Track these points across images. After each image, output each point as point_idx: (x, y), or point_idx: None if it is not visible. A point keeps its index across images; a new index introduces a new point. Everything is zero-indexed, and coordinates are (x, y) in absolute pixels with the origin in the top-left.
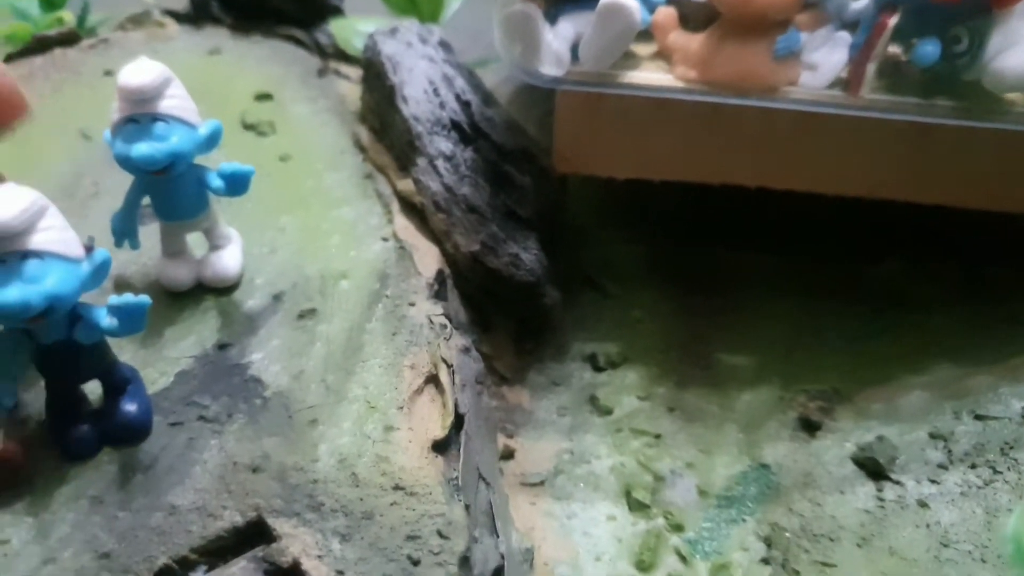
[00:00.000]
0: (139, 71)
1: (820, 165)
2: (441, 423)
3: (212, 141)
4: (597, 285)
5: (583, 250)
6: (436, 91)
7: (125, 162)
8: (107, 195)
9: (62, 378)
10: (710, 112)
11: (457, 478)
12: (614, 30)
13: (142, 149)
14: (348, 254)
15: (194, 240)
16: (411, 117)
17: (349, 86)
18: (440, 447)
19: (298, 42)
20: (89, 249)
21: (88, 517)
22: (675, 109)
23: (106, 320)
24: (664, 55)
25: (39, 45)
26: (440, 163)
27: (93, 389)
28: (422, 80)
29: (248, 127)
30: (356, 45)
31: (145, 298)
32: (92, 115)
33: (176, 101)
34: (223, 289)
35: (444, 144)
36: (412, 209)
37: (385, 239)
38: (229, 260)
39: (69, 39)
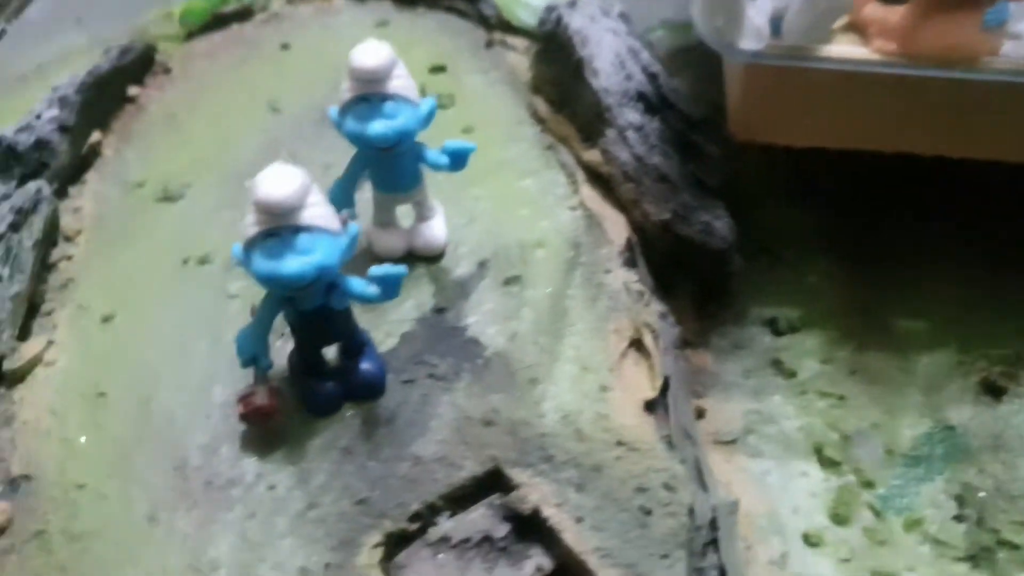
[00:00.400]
0: (371, 53)
1: (1006, 133)
2: (650, 384)
3: (430, 118)
4: (772, 251)
5: (756, 218)
6: (623, 64)
7: (358, 139)
8: (304, 165)
9: (314, 341)
10: (895, 83)
11: (669, 436)
12: (826, 4)
13: (377, 128)
14: (539, 223)
15: (401, 212)
16: (601, 89)
17: (517, 57)
18: (651, 407)
19: (462, 14)
20: (344, 223)
21: (341, 466)
22: (860, 80)
23: (368, 288)
24: (857, 28)
25: (217, 21)
26: (630, 134)
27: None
28: (609, 53)
29: None
30: (520, 16)
31: (403, 268)
32: (277, 88)
33: (402, 81)
34: (432, 257)
35: (633, 115)
36: (597, 179)
37: (573, 208)
38: (437, 230)
39: (244, 14)
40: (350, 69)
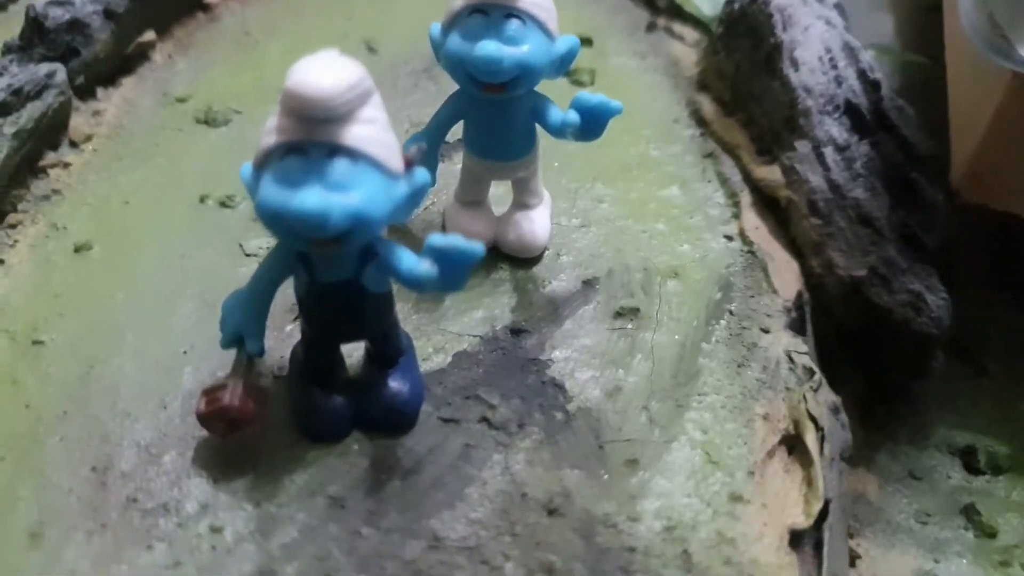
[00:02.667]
0: None
1: None
2: (805, 508)
3: (564, 63)
4: (973, 357)
5: (959, 308)
6: (833, 62)
7: (459, 65)
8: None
9: (329, 331)
10: None
11: None
12: None
13: (488, 48)
14: (678, 247)
15: (495, 194)
16: (800, 86)
17: (683, 49)
18: (796, 540)
19: None
20: (409, 163)
21: (323, 524)
22: None
23: (421, 266)
24: None
25: None
26: (829, 152)
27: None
28: (817, 44)
29: (565, 73)
30: (698, 3)
31: (478, 246)
32: (378, 26)
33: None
34: (523, 260)
35: (836, 129)
36: (769, 205)
37: (729, 237)
38: (539, 224)
39: None
40: None
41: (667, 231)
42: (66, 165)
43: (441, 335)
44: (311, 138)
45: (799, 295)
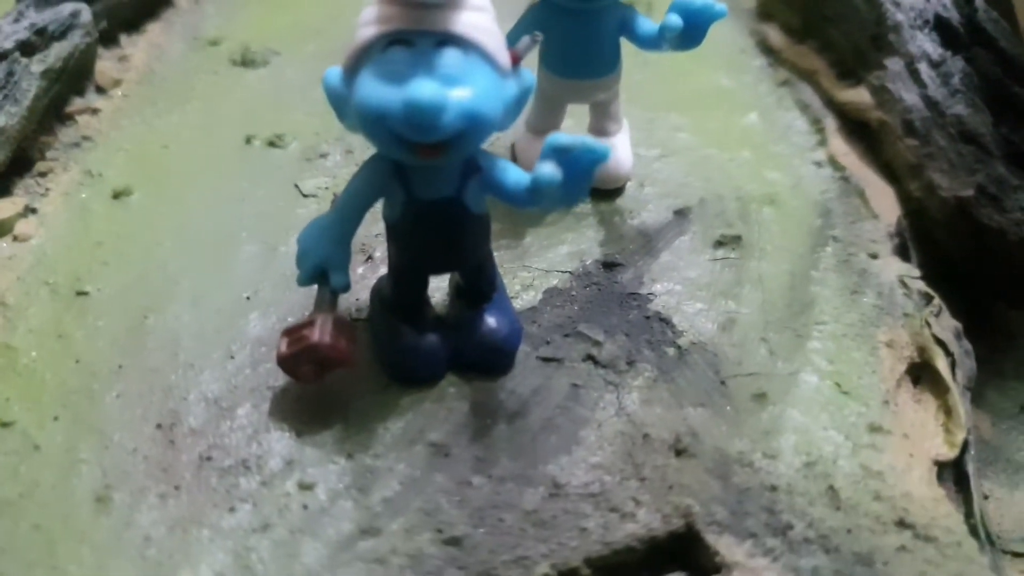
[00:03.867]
0: None
1: None
2: (946, 438)
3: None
4: None
5: None
6: None
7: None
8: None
9: (422, 260)
10: None
11: (975, 524)
12: None
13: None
14: (767, 174)
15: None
16: (888, 0)
17: None
18: (942, 472)
19: None
20: (516, 60)
21: (428, 474)
22: None
23: (545, 168)
24: None
25: None
26: (923, 68)
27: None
28: None
29: None
30: None
31: (607, 146)
32: None
33: None
34: (605, 192)
35: (929, 44)
36: (859, 130)
37: (818, 164)
38: (622, 152)
39: None
40: None
41: (753, 159)
42: (95, 111)
43: (527, 272)
44: (419, 26)
45: (900, 220)
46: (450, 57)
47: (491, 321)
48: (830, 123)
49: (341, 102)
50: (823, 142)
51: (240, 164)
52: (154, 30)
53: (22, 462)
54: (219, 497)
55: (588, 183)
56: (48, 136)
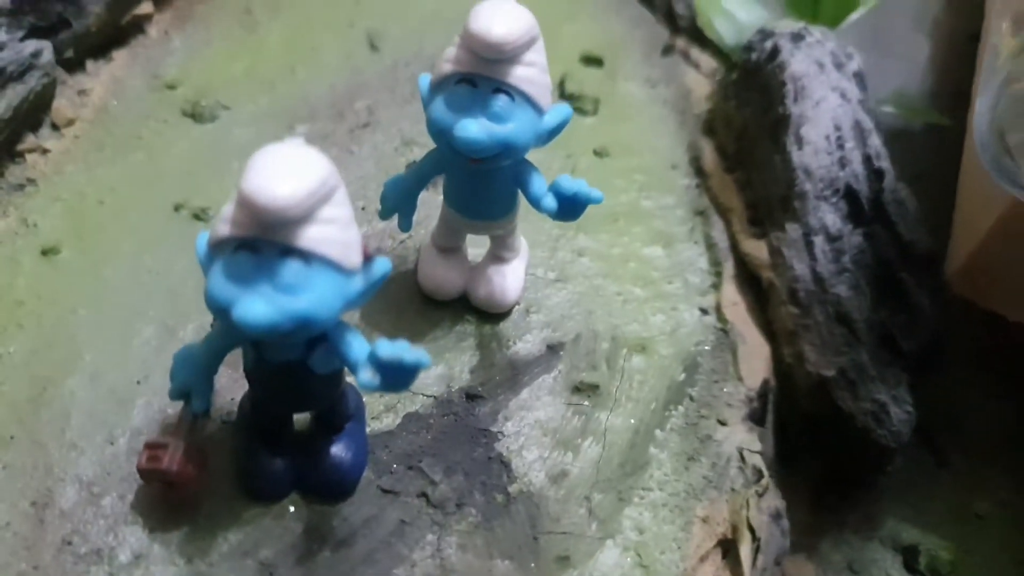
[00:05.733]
0: (500, 18)
1: None
2: None
3: (553, 134)
4: (937, 449)
5: (934, 398)
6: (840, 142)
7: (439, 134)
8: (380, 129)
9: (275, 404)
10: None
11: None
12: None
13: (470, 129)
14: (649, 316)
15: (476, 237)
16: (801, 167)
17: (697, 78)
18: None
19: (650, 1)
20: (369, 258)
21: None
22: None
23: (364, 375)
24: None
25: None
26: (818, 241)
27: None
28: (827, 122)
29: (567, 97)
30: (719, 29)
31: (425, 357)
32: (387, 21)
33: (533, 72)
34: (490, 314)
35: (831, 217)
36: (751, 282)
37: (704, 311)
38: (511, 281)
39: None
40: (465, 31)
41: (643, 296)
42: (45, 151)
43: (393, 394)
44: (265, 236)
45: (765, 383)
46: (291, 268)
47: (336, 452)
48: (729, 268)
49: (204, 271)
50: (717, 286)
51: (166, 233)
52: (120, 60)
53: None
54: None
55: (407, 383)
56: None
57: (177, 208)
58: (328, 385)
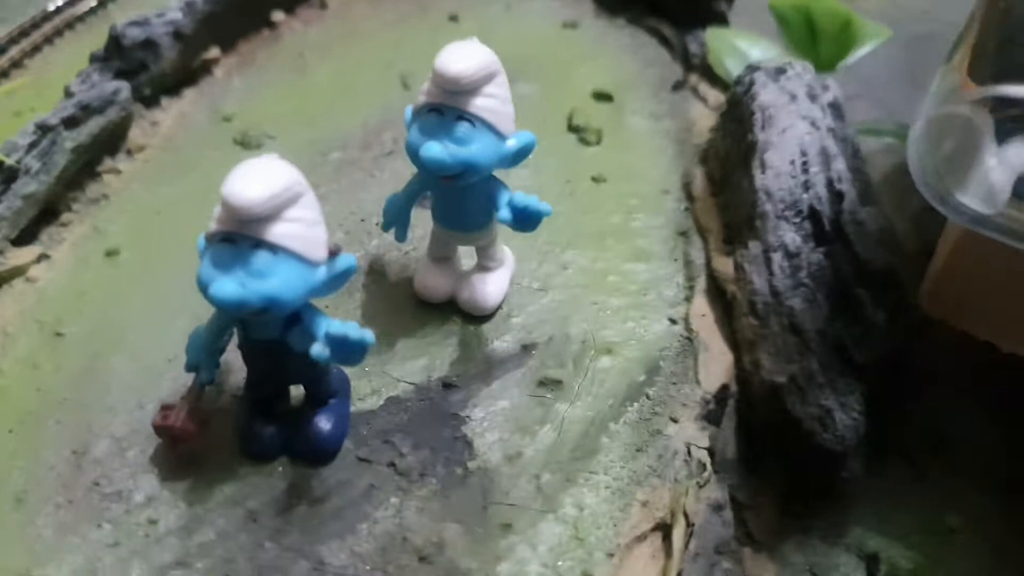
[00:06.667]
0: (462, 56)
1: None
2: None
3: (518, 157)
4: (912, 461)
5: (913, 412)
6: (805, 166)
7: (413, 156)
8: (402, 157)
9: (263, 378)
10: None
11: None
12: None
13: (433, 151)
14: (621, 324)
15: (468, 250)
16: (762, 189)
17: (703, 111)
18: None
19: (664, 40)
20: (333, 253)
21: (236, 533)
22: None
23: (315, 348)
24: None
25: None
26: (776, 258)
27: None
28: (792, 147)
29: (573, 129)
30: (727, 66)
31: (368, 335)
32: (422, 61)
33: (492, 103)
34: (475, 316)
35: (791, 235)
36: (719, 296)
37: (673, 320)
38: (492, 287)
39: None
40: (433, 68)
41: (617, 306)
42: (118, 172)
43: (381, 378)
44: (240, 230)
45: (723, 388)
46: (260, 257)
47: (319, 423)
48: (701, 282)
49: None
50: (688, 299)
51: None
52: (189, 97)
53: None
54: (94, 515)
55: (359, 358)
56: (77, 191)
57: None
58: (307, 363)
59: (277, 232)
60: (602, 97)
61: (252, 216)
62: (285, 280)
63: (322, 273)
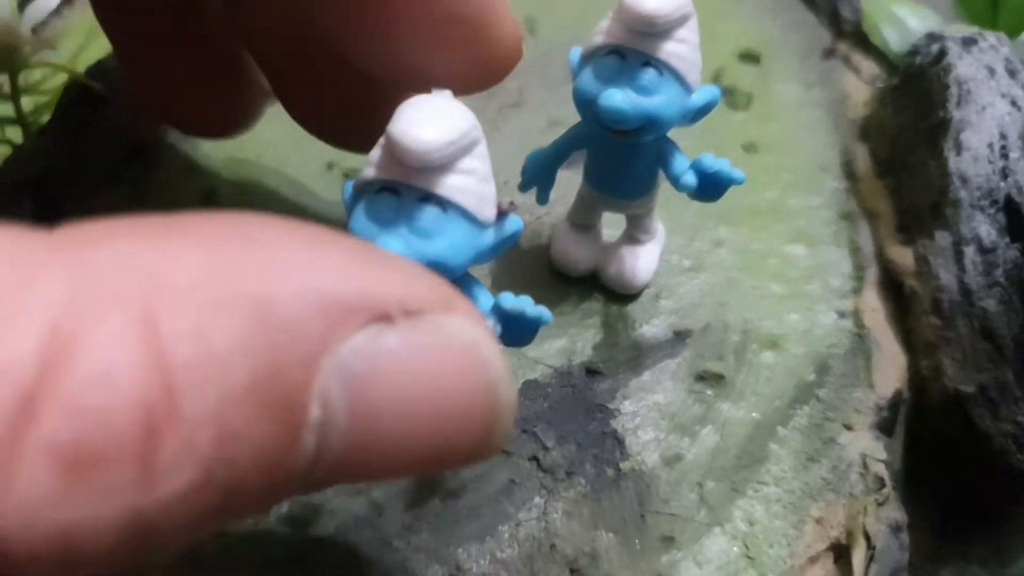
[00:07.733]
0: None
1: None
2: None
3: (700, 115)
4: None
5: None
6: (1005, 151)
7: (584, 105)
8: (529, 109)
9: None
10: None
11: None
12: None
13: (614, 99)
14: (786, 314)
15: (612, 218)
16: (956, 174)
17: (856, 83)
18: None
19: (813, 3)
20: (503, 214)
21: (357, 526)
22: None
23: (487, 323)
24: None
25: None
26: (969, 252)
27: None
28: (992, 129)
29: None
30: (885, 35)
31: (546, 313)
32: (548, 4)
33: (683, 48)
34: (618, 295)
35: (985, 228)
36: (893, 289)
37: (842, 314)
38: (643, 263)
39: None
40: (619, 3)
41: (780, 293)
42: None
43: (517, 358)
44: (406, 180)
45: (897, 393)
46: (427, 213)
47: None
48: (872, 274)
49: (347, 211)
50: (858, 291)
51: (317, 188)
52: None
53: None
54: None
55: (530, 337)
56: None
57: (330, 167)
58: None
59: (449, 185)
60: (749, 58)
61: (427, 163)
62: (453, 242)
63: (490, 236)
